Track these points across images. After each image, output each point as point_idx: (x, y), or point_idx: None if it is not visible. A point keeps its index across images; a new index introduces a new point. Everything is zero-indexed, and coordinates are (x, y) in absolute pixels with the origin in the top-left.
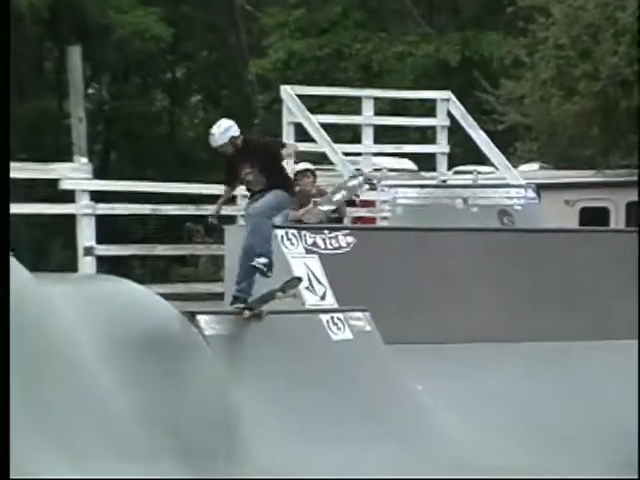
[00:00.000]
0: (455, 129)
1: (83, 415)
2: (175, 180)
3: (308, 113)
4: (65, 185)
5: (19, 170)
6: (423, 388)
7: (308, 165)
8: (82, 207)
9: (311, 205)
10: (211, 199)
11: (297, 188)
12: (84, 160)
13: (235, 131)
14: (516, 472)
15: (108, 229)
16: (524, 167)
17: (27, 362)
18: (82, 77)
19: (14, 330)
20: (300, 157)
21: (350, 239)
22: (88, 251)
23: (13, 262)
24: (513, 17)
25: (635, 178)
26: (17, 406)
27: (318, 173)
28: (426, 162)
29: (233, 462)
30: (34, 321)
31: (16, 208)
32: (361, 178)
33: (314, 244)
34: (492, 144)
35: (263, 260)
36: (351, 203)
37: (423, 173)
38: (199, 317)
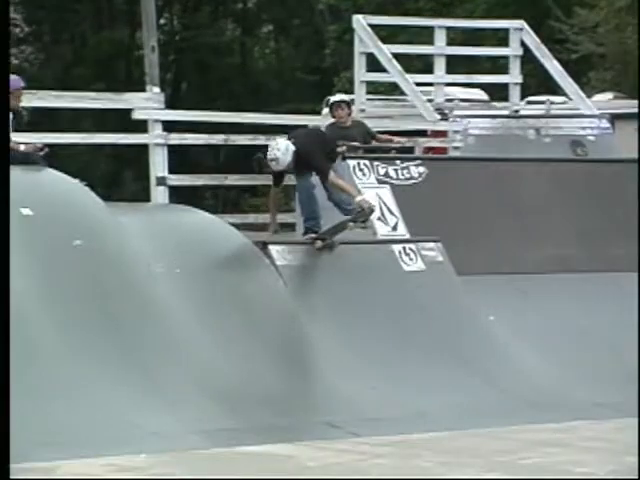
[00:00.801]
0: (528, 59)
1: (160, 345)
2: (246, 110)
3: (380, 43)
4: (138, 115)
5: (92, 100)
6: (495, 319)
7: (343, 96)
8: (155, 137)
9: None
10: (282, 129)
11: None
12: (157, 90)
13: (291, 146)
14: (595, 408)
15: (178, 159)
16: (598, 97)
17: (104, 290)
18: (154, 7)
19: (90, 256)
20: (371, 88)
21: (422, 169)
22: (161, 181)
23: (87, 192)
24: None
25: None
26: (98, 335)
27: (389, 103)
28: (498, 92)
29: (311, 397)
30: (110, 250)
31: (89, 138)
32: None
33: (386, 174)
34: (565, 73)
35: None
36: (423, 133)
37: (495, 103)
38: (271, 247)
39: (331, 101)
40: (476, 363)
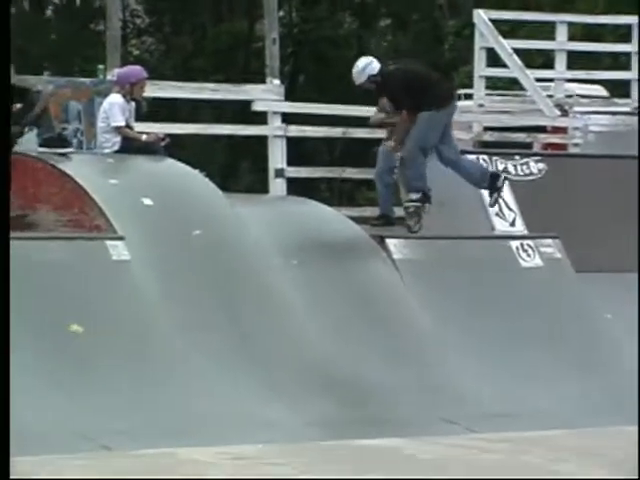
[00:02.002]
0: None
1: (277, 337)
2: (362, 103)
3: (501, 38)
4: (258, 107)
5: (212, 91)
6: (612, 317)
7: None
8: (274, 129)
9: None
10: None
11: None
12: (276, 82)
13: (372, 69)
14: None
15: (294, 151)
16: None
17: (223, 281)
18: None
19: (208, 246)
20: (490, 83)
21: (541, 165)
22: (279, 173)
23: (206, 182)
24: None
25: None
26: (216, 325)
27: (508, 99)
28: (619, 89)
29: (426, 392)
30: (229, 240)
31: (209, 129)
32: None
33: (505, 170)
34: None
35: (415, 196)
36: (542, 129)
37: (615, 100)
38: (388, 241)
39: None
40: (592, 361)
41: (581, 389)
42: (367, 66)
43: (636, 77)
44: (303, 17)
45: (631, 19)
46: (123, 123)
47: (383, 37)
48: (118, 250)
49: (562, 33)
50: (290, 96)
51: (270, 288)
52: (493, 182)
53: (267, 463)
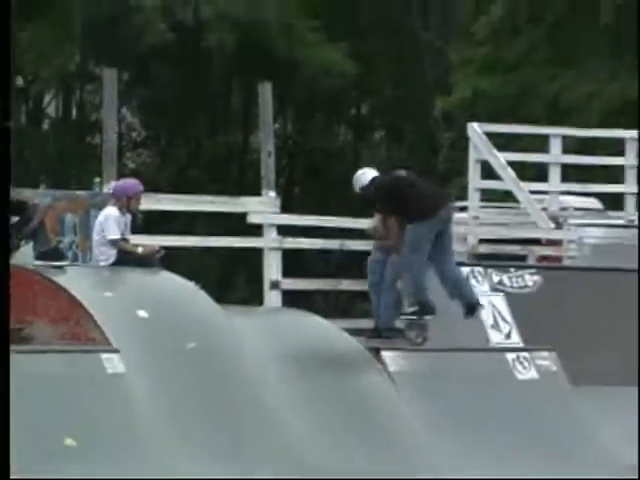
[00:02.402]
0: None
1: (272, 451)
2: (358, 215)
3: (495, 150)
4: (253, 219)
5: (210, 203)
6: (608, 432)
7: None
8: (270, 241)
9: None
10: None
11: None
12: (272, 194)
13: (365, 179)
14: None
15: (291, 262)
16: None
17: (217, 391)
18: (272, 113)
19: (203, 359)
20: (484, 195)
21: (536, 278)
22: (274, 285)
23: (201, 294)
24: None
25: None
26: (207, 432)
27: (503, 211)
28: (613, 201)
29: None
30: (224, 353)
31: (205, 242)
32: None
33: (500, 282)
34: None
35: (412, 308)
36: (537, 242)
37: (610, 213)
38: (384, 353)
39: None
40: (589, 474)
41: None
42: (361, 176)
43: (630, 190)
44: (298, 129)
45: (625, 133)
46: (119, 236)
47: (378, 148)
48: (113, 363)
49: (556, 146)
50: (286, 208)
51: (265, 401)
52: (471, 309)
53: None
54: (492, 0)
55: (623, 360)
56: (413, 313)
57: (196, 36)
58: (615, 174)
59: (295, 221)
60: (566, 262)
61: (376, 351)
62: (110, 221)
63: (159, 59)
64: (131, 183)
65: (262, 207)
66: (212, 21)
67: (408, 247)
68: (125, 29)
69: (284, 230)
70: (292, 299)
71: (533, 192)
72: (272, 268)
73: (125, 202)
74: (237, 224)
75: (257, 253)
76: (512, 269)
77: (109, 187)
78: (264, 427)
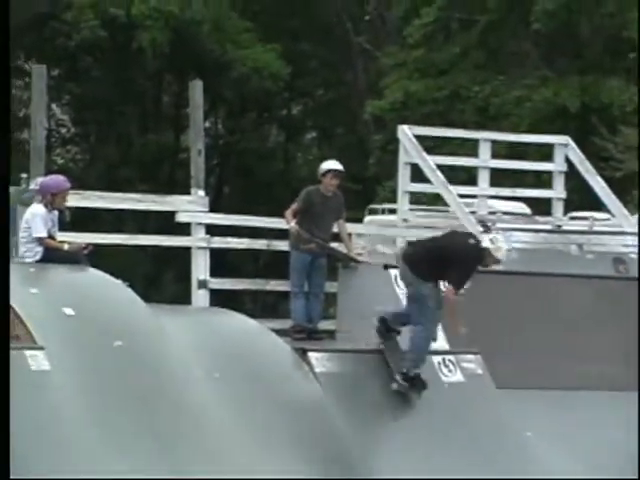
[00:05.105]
0: (572, 174)
1: (194, 449)
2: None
3: (424, 154)
4: (182, 218)
5: (138, 201)
6: (532, 435)
7: (339, 166)
8: (198, 240)
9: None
10: None
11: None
12: (201, 193)
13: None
14: None
15: (219, 262)
16: None
17: (141, 390)
18: (202, 111)
19: (129, 358)
20: (414, 198)
21: None
22: (202, 284)
23: (129, 293)
24: (635, 63)
25: None
26: (132, 436)
27: (432, 214)
28: (541, 206)
29: None
30: (150, 351)
31: (132, 239)
32: None
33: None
34: (609, 190)
35: (405, 383)
36: None
37: (538, 217)
38: (310, 354)
39: (330, 167)
40: (510, 476)
41: None
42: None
43: (558, 195)
44: (229, 129)
45: (554, 138)
46: (45, 234)
47: (309, 150)
48: (38, 360)
49: (485, 150)
50: (215, 207)
51: (192, 400)
52: (413, 381)
53: None
54: (426, 3)
55: (549, 363)
56: (405, 381)
57: (128, 33)
58: (543, 179)
59: (223, 220)
60: (493, 266)
61: (302, 351)
62: (36, 219)
63: (90, 55)
64: (56, 180)
65: (191, 206)
66: (144, 19)
67: (432, 317)
68: (56, 24)
69: (213, 229)
70: (220, 298)
71: (462, 196)
72: (200, 267)
73: (50, 199)
74: (166, 223)
75: (186, 252)
76: None
77: (36, 183)
78: (190, 426)
